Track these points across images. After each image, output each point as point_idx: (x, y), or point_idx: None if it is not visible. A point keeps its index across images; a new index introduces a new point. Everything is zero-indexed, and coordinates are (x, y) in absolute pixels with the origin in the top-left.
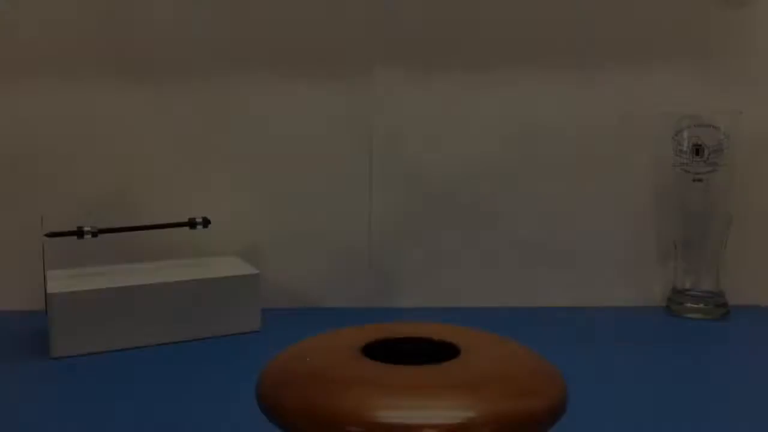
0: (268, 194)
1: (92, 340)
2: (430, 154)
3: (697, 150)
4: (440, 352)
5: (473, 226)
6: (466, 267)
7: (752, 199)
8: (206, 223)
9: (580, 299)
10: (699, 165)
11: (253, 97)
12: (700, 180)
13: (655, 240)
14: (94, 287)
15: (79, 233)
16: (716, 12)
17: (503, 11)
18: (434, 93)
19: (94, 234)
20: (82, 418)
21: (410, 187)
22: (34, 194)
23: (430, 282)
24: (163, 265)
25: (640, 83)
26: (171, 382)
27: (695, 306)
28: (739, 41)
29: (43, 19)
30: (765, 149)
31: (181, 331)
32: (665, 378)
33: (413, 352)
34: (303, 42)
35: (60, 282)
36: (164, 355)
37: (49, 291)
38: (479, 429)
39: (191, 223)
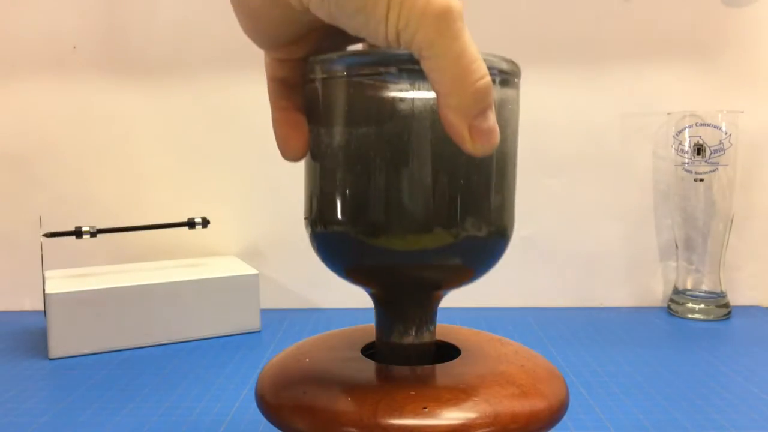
0: (268, 194)
1: (90, 340)
2: None
3: (699, 150)
4: (440, 352)
5: None
6: None
7: (754, 198)
8: (205, 223)
9: (580, 299)
10: (700, 165)
11: (253, 97)
12: (701, 180)
13: (656, 240)
14: (93, 287)
15: (78, 233)
16: (718, 11)
17: (504, 10)
18: None
19: (93, 234)
20: (80, 419)
21: None
22: (33, 194)
23: None
24: (163, 265)
25: (641, 83)
26: (170, 382)
27: (696, 306)
28: (741, 40)
29: (42, 20)
30: (766, 149)
31: (181, 331)
32: (666, 379)
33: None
34: None
35: (58, 282)
36: (164, 355)
37: (47, 291)
38: (479, 429)
39: (190, 223)
